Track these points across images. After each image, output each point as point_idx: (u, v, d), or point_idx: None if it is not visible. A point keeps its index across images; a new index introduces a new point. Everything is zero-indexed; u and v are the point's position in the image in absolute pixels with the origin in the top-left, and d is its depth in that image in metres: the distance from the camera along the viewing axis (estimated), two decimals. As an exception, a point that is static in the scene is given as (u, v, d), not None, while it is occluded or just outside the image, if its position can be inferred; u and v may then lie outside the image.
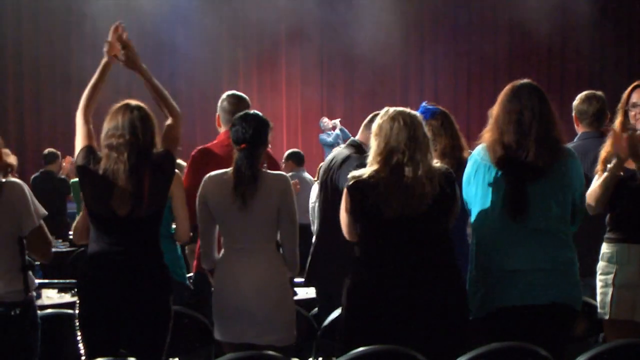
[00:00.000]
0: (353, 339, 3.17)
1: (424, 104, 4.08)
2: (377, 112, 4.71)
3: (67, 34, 12.84)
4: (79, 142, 3.47)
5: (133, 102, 3.46)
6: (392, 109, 3.40)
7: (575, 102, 4.65)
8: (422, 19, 14.40)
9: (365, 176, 3.30)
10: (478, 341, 3.14)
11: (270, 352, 3.07)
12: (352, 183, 3.33)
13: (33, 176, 9.19)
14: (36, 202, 3.40)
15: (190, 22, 12.85)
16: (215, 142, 4.35)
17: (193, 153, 4.42)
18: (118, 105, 3.44)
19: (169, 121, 3.58)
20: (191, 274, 4.52)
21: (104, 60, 3.58)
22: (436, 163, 3.35)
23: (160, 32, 12.54)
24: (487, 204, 3.41)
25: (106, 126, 3.40)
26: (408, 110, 3.43)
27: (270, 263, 3.54)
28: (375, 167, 3.32)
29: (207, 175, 3.59)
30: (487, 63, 14.43)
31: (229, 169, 3.55)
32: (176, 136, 3.56)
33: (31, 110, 13.05)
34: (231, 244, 3.54)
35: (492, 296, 3.37)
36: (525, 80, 3.50)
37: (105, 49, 3.57)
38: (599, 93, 4.68)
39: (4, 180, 3.33)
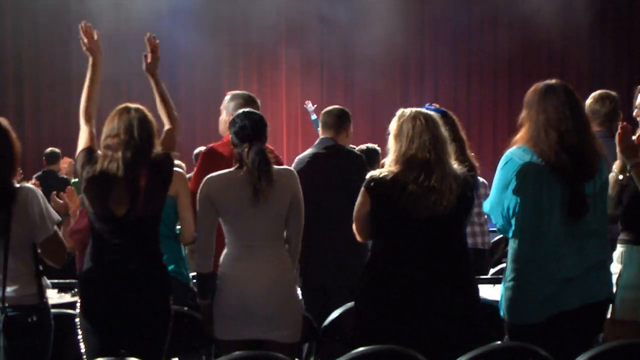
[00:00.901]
0: (373, 338, 3.12)
1: (426, 105, 3.92)
2: (329, 107, 4.80)
3: (67, 35, 12.82)
4: (80, 145, 3.50)
5: (132, 104, 3.48)
6: (408, 110, 3.33)
7: (588, 101, 4.64)
8: (422, 19, 14.37)
9: (388, 178, 3.25)
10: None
11: (271, 352, 3.07)
12: (374, 184, 3.27)
13: (35, 176, 9.18)
14: (50, 208, 3.40)
15: (190, 22, 12.84)
16: (224, 141, 4.36)
17: (204, 152, 4.45)
18: (117, 108, 3.47)
19: (167, 126, 3.65)
20: (193, 274, 4.51)
21: (90, 59, 3.72)
22: (454, 165, 3.32)
23: (160, 32, 12.50)
24: (541, 208, 3.30)
25: (105, 129, 3.44)
26: (425, 110, 3.38)
27: (279, 260, 3.54)
28: (398, 167, 3.26)
29: (208, 176, 3.57)
30: (487, 63, 14.41)
31: (233, 169, 3.55)
32: (174, 140, 3.62)
33: (31, 110, 13.03)
34: (239, 242, 3.52)
35: (552, 302, 3.31)
36: (556, 81, 3.43)
37: (84, 47, 3.74)
38: (613, 93, 4.70)
39: (18, 185, 3.33)
